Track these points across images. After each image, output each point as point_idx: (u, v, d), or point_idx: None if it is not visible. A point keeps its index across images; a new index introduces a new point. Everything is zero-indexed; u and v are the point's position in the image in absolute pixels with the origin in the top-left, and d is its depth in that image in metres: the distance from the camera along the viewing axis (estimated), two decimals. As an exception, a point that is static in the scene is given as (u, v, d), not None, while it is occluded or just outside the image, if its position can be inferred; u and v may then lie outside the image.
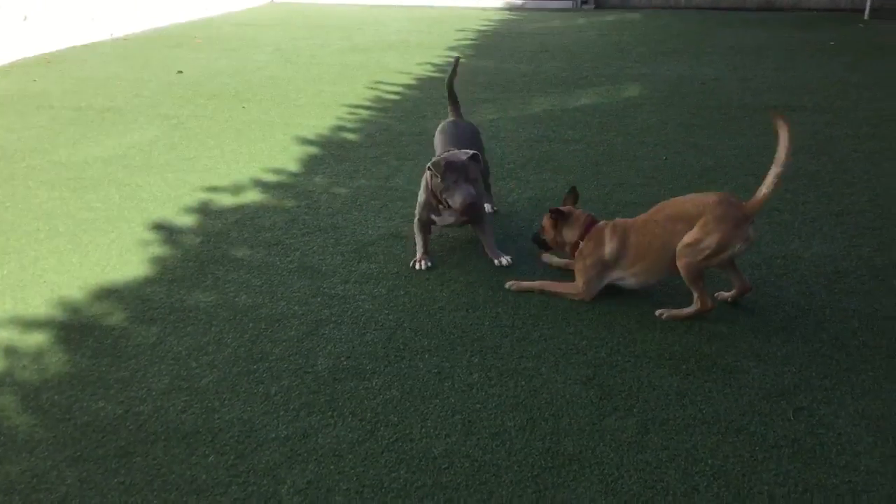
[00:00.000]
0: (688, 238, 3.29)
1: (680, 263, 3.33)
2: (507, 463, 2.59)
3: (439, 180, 3.75)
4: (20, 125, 6.34)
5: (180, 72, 8.29)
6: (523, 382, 3.01)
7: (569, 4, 13.58)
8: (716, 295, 3.57)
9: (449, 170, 3.73)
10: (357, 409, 2.86)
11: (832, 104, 6.90)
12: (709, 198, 3.32)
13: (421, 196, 3.97)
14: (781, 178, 3.19)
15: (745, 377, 3.04)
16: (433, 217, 3.95)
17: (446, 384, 3.00)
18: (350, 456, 2.62)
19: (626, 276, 3.54)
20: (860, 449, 2.65)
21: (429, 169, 3.83)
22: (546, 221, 3.76)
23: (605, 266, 3.54)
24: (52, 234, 4.29)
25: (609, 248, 3.52)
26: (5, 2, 8.91)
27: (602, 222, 3.66)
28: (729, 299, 3.57)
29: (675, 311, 3.46)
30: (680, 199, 3.48)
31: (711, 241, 3.23)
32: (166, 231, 4.33)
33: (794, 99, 7.06)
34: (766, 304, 3.56)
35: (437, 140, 4.41)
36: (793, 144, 3.20)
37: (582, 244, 3.61)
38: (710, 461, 2.60)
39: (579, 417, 2.81)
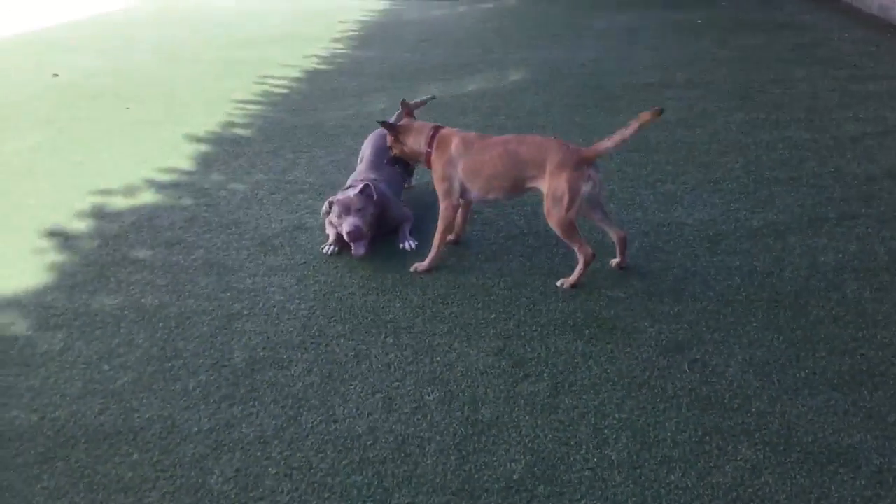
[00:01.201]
0: (547, 196, 3.53)
1: (552, 223, 3.58)
2: (429, 434, 2.71)
3: (334, 215, 3.99)
4: None
5: (56, 75, 7.97)
6: (438, 358, 3.13)
7: (448, -7, 13.73)
8: (611, 263, 3.79)
9: (336, 206, 3.97)
10: (278, 397, 2.91)
11: (703, 79, 7.30)
12: (549, 146, 3.60)
13: None
14: (625, 141, 3.49)
15: (642, 336, 3.25)
16: None
17: (364, 365, 3.09)
18: (276, 442, 2.68)
19: (467, 185, 3.75)
20: (750, 393, 2.89)
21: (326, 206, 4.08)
22: (389, 139, 3.95)
23: (454, 168, 3.73)
24: (-64, 247, 4.12)
25: (454, 150, 3.72)
26: None
27: (448, 129, 3.87)
28: (620, 264, 3.78)
29: (570, 279, 3.65)
30: (527, 140, 3.73)
31: (562, 187, 3.47)
32: (61, 237, 4.22)
33: (667, 76, 7.43)
34: (656, 269, 3.79)
35: (364, 146, 4.63)
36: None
37: (432, 153, 3.80)
38: (617, 415, 2.78)
39: (494, 386, 2.95)
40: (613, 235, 3.77)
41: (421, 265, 3.83)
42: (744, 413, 2.78)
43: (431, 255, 3.83)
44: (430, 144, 3.81)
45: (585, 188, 3.48)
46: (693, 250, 3.97)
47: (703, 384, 2.94)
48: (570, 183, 3.46)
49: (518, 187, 3.70)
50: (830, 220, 4.25)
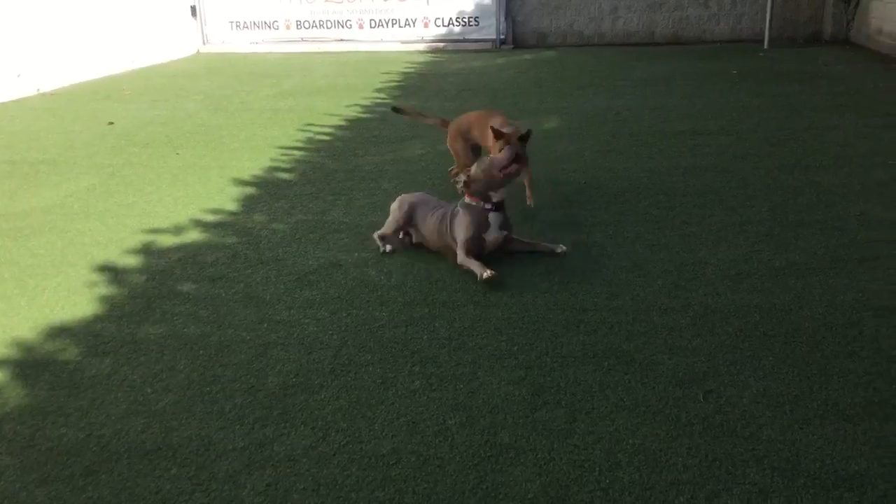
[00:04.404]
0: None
1: None
2: (449, 455, 2.84)
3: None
4: (-47, 180, 6.39)
5: (111, 123, 8.41)
6: (461, 386, 3.27)
7: (488, 45, 14.12)
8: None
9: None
10: (308, 419, 3.07)
11: (735, 127, 7.43)
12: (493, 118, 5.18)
13: (467, 232, 4.33)
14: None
15: (660, 368, 3.36)
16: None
17: (390, 392, 3.24)
18: (305, 460, 2.83)
19: None
20: (762, 422, 2.97)
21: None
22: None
23: None
24: (-3, 280, 4.41)
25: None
26: (-71, 61, 8.93)
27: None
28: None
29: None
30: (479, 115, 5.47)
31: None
32: (111, 272, 4.48)
33: (700, 124, 7.58)
34: (677, 306, 3.90)
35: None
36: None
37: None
38: (630, 441, 2.89)
39: (513, 412, 3.08)
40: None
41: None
42: (754, 441, 2.86)
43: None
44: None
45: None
46: (714, 288, 4.07)
47: (717, 413, 3.03)
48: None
49: None
50: (853, 261, 4.32)
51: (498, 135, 4.74)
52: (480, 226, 4.32)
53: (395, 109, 6.26)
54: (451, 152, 5.67)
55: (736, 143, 6.85)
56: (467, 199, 4.40)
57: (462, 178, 4.41)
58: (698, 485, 2.64)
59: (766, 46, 12.63)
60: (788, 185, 5.68)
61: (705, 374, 3.30)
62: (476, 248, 4.33)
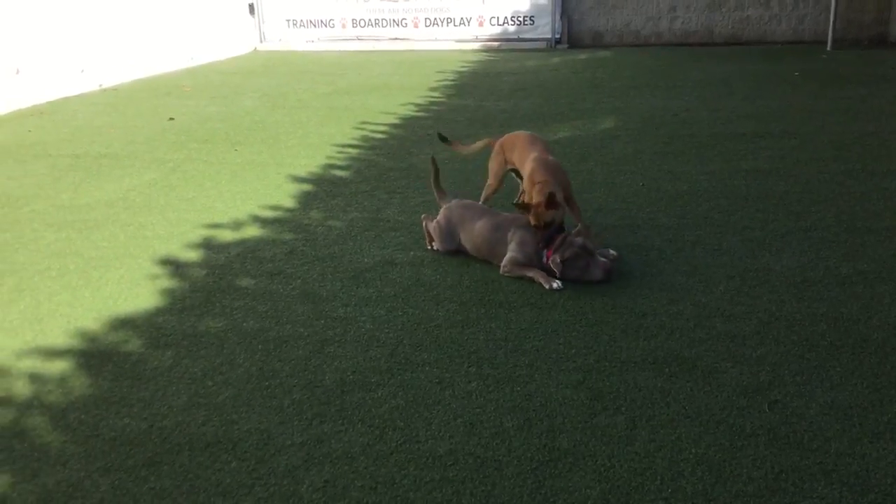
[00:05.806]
0: None
1: None
2: (507, 458, 2.81)
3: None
4: (20, 173, 6.56)
5: (172, 119, 8.56)
6: (518, 388, 3.24)
7: (543, 45, 14.04)
8: None
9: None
10: (366, 417, 3.07)
11: (798, 130, 7.26)
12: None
13: (525, 259, 4.28)
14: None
15: (723, 377, 3.28)
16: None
17: (447, 392, 3.23)
18: (362, 457, 2.83)
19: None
20: (830, 435, 2.89)
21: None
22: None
23: None
24: (62, 271, 4.50)
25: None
26: (-2, 56, 9.20)
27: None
28: None
29: None
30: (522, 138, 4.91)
31: None
32: (172, 265, 4.55)
33: (761, 126, 7.42)
34: (740, 312, 3.81)
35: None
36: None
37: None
38: (693, 450, 2.83)
39: (572, 417, 3.04)
40: None
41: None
42: (822, 454, 2.78)
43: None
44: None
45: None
46: (779, 296, 3.97)
47: (782, 424, 2.95)
48: None
49: None
50: (924, 270, 4.19)
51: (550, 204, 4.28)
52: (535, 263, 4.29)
53: (442, 138, 5.67)
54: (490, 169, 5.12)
55: (799, 147, 6.69)
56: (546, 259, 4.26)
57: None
58: (764, 497, 2.57)
59: (829, 48, 12.35)
60: (855, 190, 5.52)
61: (770, 384, 3.21)
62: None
